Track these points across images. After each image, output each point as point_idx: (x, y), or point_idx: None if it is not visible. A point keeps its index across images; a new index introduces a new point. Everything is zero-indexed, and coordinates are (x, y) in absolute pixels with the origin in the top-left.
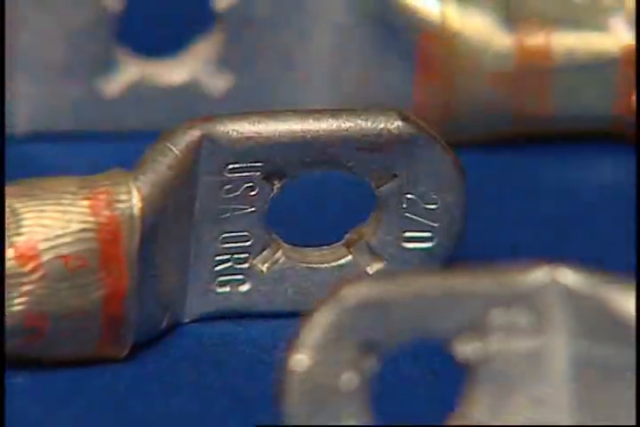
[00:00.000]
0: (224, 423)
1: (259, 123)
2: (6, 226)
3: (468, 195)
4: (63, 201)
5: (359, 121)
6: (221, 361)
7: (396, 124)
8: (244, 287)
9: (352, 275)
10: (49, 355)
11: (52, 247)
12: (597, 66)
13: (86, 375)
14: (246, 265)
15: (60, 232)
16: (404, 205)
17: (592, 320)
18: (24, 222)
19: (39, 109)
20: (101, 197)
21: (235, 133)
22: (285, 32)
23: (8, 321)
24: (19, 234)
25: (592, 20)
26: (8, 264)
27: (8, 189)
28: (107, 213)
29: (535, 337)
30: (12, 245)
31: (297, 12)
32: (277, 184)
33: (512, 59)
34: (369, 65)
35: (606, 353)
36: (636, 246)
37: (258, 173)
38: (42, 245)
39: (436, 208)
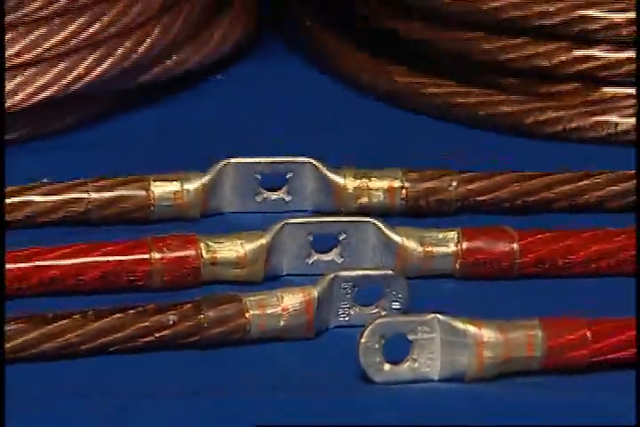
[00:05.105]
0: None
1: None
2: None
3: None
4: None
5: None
6: None
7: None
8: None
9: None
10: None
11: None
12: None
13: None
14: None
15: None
16: (394, 294)
17: (447, 325)
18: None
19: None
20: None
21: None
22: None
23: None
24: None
25: (436, 235)
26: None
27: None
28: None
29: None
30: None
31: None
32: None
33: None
34: (384, 257)
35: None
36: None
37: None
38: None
39: (401, 296)
